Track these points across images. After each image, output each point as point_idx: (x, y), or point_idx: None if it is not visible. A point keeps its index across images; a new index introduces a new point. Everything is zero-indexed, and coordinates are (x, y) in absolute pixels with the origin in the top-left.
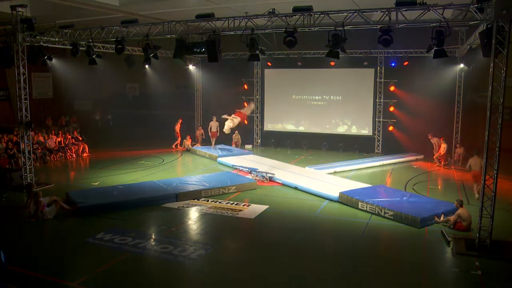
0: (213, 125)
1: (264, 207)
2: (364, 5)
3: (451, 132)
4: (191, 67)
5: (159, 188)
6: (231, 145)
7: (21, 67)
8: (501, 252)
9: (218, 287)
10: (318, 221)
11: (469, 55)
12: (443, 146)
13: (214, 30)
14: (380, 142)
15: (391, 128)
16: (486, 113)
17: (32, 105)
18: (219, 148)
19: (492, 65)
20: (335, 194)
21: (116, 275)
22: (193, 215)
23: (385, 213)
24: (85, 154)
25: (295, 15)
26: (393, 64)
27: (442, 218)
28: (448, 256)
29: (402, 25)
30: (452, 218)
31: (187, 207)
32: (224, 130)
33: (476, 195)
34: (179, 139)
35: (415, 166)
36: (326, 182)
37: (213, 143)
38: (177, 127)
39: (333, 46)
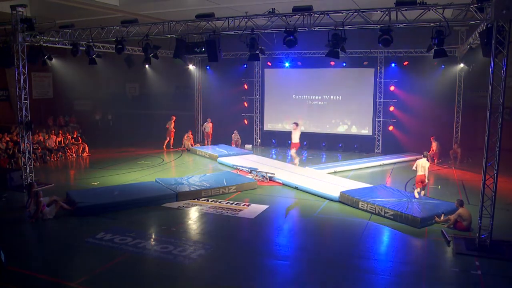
0: None
1: (264, 207)
2: (364, 5)
3: (451, 132)
4: (191, 67)
5: (159, 188)
6: (231, 145)
7: (21, 67)
8: (501, 252)
9: (218, 287)
10: (318, 221)
11: (469, 55)
12: (434, 144)
13: (214, 30)
14: (380, 142)
15: (391, 128)
16: (486, 113)
17: (32, 105)
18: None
19: (492, 65)
20: (335, 194)
21: (116, 275)
22: (193, 215)
23: (385, 213)
24: (85, 154)
25: (295, 15)
26: (393, 64)
27: (442, 218)
28: (448, 256)
29: (402, 25)
30: (452, 217)
31: (187, 207)
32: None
33: (416, 196)
34: (171, 138)
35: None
36: (326, 182)
37: None
38: (171, 125)
39: (333, 46)
